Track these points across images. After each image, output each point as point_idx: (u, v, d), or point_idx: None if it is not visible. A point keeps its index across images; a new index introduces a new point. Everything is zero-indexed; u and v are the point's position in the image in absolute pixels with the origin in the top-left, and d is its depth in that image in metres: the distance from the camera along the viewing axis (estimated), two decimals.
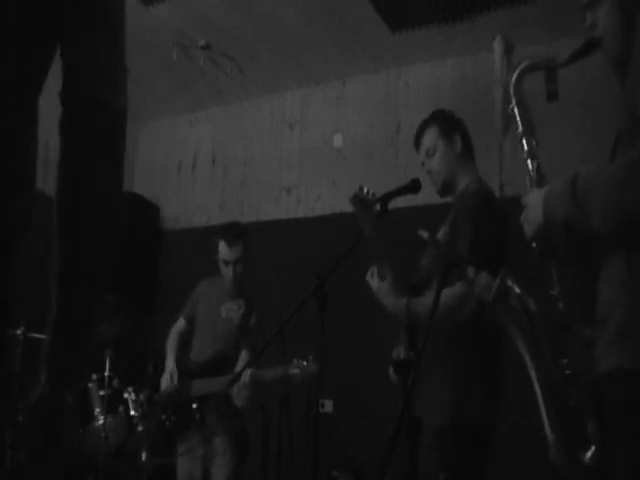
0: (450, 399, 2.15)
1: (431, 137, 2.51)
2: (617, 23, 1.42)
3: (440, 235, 2.41)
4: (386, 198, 2.28)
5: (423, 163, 2.54)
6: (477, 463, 2.17)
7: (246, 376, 3.08)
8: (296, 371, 3.03)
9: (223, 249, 3.39)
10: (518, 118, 1.64)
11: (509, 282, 1.55)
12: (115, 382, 3.91)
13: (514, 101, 1.64)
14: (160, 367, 3.79)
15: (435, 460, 2.13)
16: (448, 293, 2.14)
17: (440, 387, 2.19)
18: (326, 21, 4.39)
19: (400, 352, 2.43)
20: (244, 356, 3.31)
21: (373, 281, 2.40)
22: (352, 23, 4.39)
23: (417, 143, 2.57)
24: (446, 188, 2.49)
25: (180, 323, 3.61)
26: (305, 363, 3.02)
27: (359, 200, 2.38)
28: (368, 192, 2.38)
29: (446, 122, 2.54)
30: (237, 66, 4.93)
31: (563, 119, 4.04)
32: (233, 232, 3.44)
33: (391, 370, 2.52)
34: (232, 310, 3.44)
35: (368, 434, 3.98)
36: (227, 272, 3.40)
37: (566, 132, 4.07)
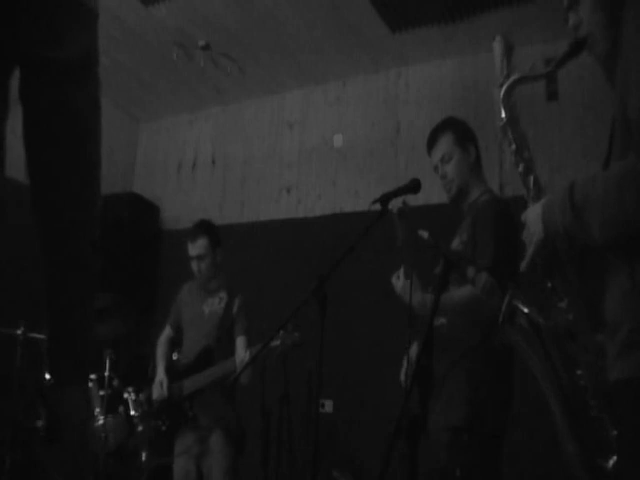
0: (467, 400, 2.18)
1: (446, 144, 2.54)
2: (600, 22, 1.41)
3: (456, 244, 2.43)
4: (386, 198, 2.28)
5: (436, 168, 2.56)
6: (491, 462, 2.21)
7: (246, 357, 3.13)
8: (276, 342, 3.04)
9: (188, 245, 3.43)
10: (510, 135, 1.62)
11: (515, 302, 1.54)
12: (115, 382, 3.91)
13: (505, 117, 1.62)
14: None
15: (447, 458, 2.16)
16: (465, 292, 2.23)
17: (457, 388, 2.22)
18: (326, 21, 4.39)
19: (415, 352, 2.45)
20: (240, 342, 3.31)
21: (399, 281, 2.41)
22: (352, 23, 4.39)
23: (430, 148, 2.59)
24: (459, 195, 2.54)
25: (166, 331, 3.65)
26: (284, 333, 3.04)
27: (403, 213, 2.40)
28: (408, 205, 2.42)
29: (461, 131, 2.57)
30: (237, 66, 4.93)
31: (564, 119, 4.04)
32: (194, 228, 3.47)
33: (402, 372, 2.53)
34: (214, 305, 3.45)
35: (368, 434, 3.98)
36: (194, 267, 3.43)
37: (567, 132, 4.07)
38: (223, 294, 3.46)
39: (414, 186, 2.37)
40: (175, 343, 3.61)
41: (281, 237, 4.98)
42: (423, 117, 4.72)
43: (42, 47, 1.01)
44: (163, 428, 3.34)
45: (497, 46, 4.27)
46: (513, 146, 1.62)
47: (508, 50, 4.24)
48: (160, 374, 3.44)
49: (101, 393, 3.83)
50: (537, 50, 4.15)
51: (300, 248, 4.77)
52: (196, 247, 3.38)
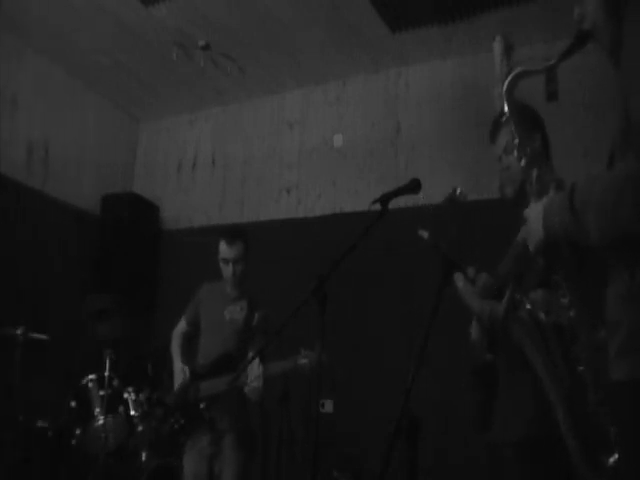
0: (533, 413, 2.12)
1: (509, 133, 2.41)
2: (604, 13, 1.40)
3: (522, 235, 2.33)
4: (386, 198, 2.27)
5: (500, 158, 2.43)
6: (560, 468, 2.16)
7: (258, 375, 3.11)
8: (305, 361, 3.04)
9: (223, 248, 3.44)
10: (513, 129, 1.62)
11: (518, 296, 1.54)
12: (115, 382, 3.91)
13: (507, 111, 1.62)
14: (159, 367, 3.78)
15: (518, 473, 2.10)
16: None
17: (522, 401, 2.16)
18: (326, 21, 4.39)
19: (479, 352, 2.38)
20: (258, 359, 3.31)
21: (459, 282, 2.33)
22: (352, 23, 4.40)
23: (493, 138, 2.43)
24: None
25: (181, 325, 3.62)
26: (312, 352, 3.03)
27: (452, 201, 2.34)
28: (461, 193, 2.33)
29: (525, 119, 2.43)
30: (237, 66, 4.94)
31: (564, 119, 4.04)
32: (232, 231, 3.51)
33: (470, 377, 2.47)
34: (235, 312, 3.47)
35: (368, 434, 3.98)
36: (227, 271, 3.44)
37: (567, 132, 4.07)
38: (244, 303, 3.49)
39: (414, 186, 2.35)
40: (190, 339, 3.60)
41: (281, 237, 4.98)
42: (423, 117, 4.72)
43: None
44: (176, 426, 3.33)
45: (497, 46, 4.28)
46: (516, 140, 1.61)
47: (508, 50, 4.24)
48: (178, 364, 3.44)
49: (101, 393, 3.83)
50: (537, 50, 4.15)
51: (300, 248, 4.77)
52: (234, 250, 3.41)
